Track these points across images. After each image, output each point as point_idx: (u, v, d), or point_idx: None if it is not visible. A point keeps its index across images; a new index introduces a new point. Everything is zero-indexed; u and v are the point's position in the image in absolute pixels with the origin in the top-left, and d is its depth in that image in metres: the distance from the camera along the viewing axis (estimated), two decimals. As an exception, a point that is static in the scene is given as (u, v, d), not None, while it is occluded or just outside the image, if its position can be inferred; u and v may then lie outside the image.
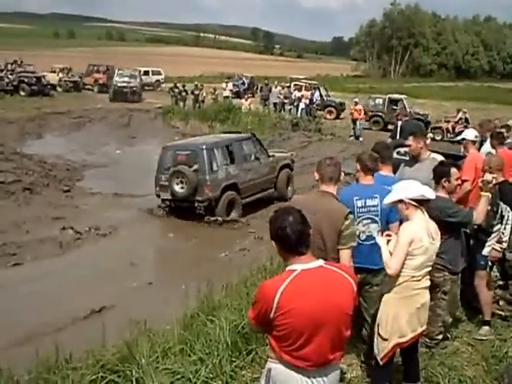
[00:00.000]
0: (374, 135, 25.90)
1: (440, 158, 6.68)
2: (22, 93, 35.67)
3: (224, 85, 39.08)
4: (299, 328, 3.10)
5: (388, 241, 4.68)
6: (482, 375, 5.51)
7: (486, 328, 6.36)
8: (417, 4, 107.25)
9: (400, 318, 4.61)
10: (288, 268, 3.25)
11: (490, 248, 6.27)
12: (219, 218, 13.73)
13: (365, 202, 5.29)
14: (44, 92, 36.70)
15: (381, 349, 4.71)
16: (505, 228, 6.30)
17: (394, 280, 4.61)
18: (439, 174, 5.73)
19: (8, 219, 13.18)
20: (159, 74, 50.59)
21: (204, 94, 34.94)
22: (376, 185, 5.36)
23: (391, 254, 4.57)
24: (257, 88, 44.78)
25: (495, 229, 6.28)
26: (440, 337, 5.91)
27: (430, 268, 4.71)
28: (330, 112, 36.29)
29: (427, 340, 5.82)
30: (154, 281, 10.49)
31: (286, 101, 34.30)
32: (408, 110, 30.19)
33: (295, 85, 37.13)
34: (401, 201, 4.62)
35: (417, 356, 5.09)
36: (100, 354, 5.44)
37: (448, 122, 28.70)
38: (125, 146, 24.43)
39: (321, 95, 36.54)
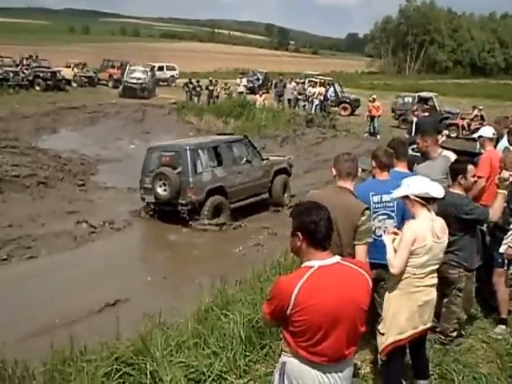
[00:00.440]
0: (391, 132, 25.72)
1: (452, 155, 6.65)
2: (37, 88, 35.78)
3: (238, 80, 39.04)
4: (316, 324, 3.10)
5: (395, 239, 4.66)
6: (497, 373, 5.48)
7: (502, 327, 6.32)
8: (432, 1, 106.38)
9: (400, 314, 4.57)
10: (305, 264, 3.23)
11: (507, 246, 6.22)
12: (205, 222, 13.18)
13: (381, 198, 5.29)
14: (59, 87, 36.81)
15: (379, 343, 4.70)
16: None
17: (397, 276, 4.58)
18: (456, 171, 5.70)
19: (23, 213, 13.28)
20: (174, 69, 50.59)
21: (218, 90, 34.91)
22: (392, 181, 5.34)
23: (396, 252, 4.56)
24: (271, 84, 44.64)
25: (512, 226, 6.24)
26: (454, 334, 5.87)
27: (436, 266, 4.65)
28: (345, 108, 36.13)
29: (442, 337, 5.81)
30: (168, 275, 10.53)
31: (300, 97, 34.16)
32: (438, 108, 29.94)
33: (310, 81, 36.98)
34: (407, 197, 4.60)
35: (425, 353, 5.07)
36: (114, 346, 5.47)
37: (463, 119, 28.48)
38: (139, 141, 24.47)
39: (335, 91, 36.43)
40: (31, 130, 24.82)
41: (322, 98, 33.09)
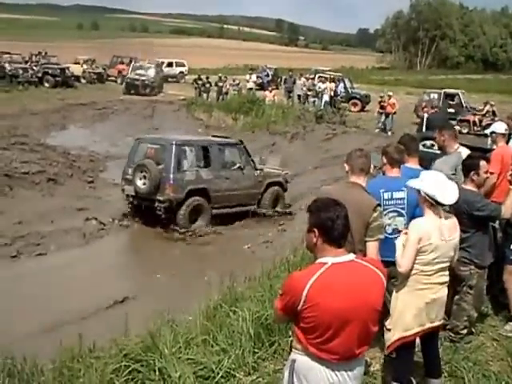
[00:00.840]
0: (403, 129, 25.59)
1: (466, 152, 6.60)
2: (47, 84, 35.90)
3: (248, 77, 39.00)
4: (326, 322, 3.06)
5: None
6: (507, 370, 5.42)
7: (513, 324, 6.27)
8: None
9: (407, 311, 4.53)
10: (319, 260, 3.20)
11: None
12: (181, 228, 12.55)
13: (391, 195, 5.25)
14: (68, 83, 36.91)
15: (386, 339, 4.66)
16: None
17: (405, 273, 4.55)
18: (468, 167, 5.64)
19: (32, 210, 13.32)
20: (183, 65, 50.55)
21: (227, 86, 34.88)
22: (403, 177, 5.29)
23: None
24: (281, 80, 44.54)
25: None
26: (465, 331, 5.83)
27: (446, 264, 4.57)
28: (355, 104, 35.92)
29: (452, 334, 5.77)
30: (176, 272, 10.52)
31: (309, 93, 34.02)
32: (464, 104, 29.73)
33: (320, 77, 36.84)
34: (419, 191, 4.55)
35: (437, 351, 5.02)
36: (123, 343, 5.45)
37: (475, 114, 28.27)
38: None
39: (345, 87, 36.22)
40: (40, 126, 24.94)
41: (331, 93, 32.97)
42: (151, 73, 38.30)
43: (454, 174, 6.14)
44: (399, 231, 5.07)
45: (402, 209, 5.25)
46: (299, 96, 34.55)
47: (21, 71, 35.17)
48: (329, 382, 3.17)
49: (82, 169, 17.89)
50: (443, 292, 4.64)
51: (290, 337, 5.44)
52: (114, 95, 34.55)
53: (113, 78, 43.99)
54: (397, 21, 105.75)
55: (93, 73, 42.09)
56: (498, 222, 6.25)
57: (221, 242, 12.38)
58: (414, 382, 4.70)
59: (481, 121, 27.14)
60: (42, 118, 26.28)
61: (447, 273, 4.64)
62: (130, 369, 5.02)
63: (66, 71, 37.68)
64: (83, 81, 40.44)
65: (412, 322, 4.53)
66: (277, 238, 12.09)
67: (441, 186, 4.47)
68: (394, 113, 27.63)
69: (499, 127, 7.62)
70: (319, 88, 33.46)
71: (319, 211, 3.21)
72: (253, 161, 14.84)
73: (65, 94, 33.50)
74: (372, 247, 4.63)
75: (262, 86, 41.05)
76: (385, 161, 5.46)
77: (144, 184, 12.69)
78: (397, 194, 5.24)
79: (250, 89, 36.21)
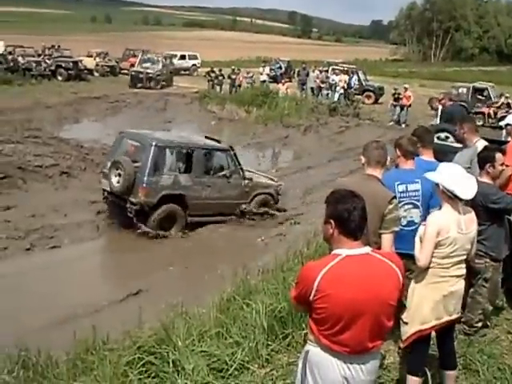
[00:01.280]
0: (417, 121, 25.42)
1: (484, 143, 6.55)
2: (59, 77, 35.89)
3: (261, 69, 38.87)
4: (337, 313, 3.05)
5: None
6: (522, 364, 5.39)
7: (528, 318, 6.23)
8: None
9: (424, 304, 4.50)
10: (333, 252, 3.19)
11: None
12: (150, 231, 11.79)
13: (406, 187, 5.22)
14: (81, 77, 36.94)
15: (403, 333, 4.64)
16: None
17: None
18: (483, 160, 5.59)
19: (46, 203, 13.36)
20: (196, 58, 50.40)
21: (241, 79, 34.79)
22: (417, 170, 5.26)
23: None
24: (294, 72, 44.40)
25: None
26: (479, 324, 5.81)
27: (463, 257, 4.53)
28: (369, 97, 35.83)
29: (466, 327, 5.75)
30: (190, 265, 10.54)
31: (323, 85, 33.88)
32: (493, 99, 29.38)
33: (333, 69, 36.67)
34: (437, 184, 4.50)
35: (453, 344, 4.98)
36: (137, 335, 5.47)
37: (490, 107, 28.02)
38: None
39: (359, 79, 36.05)
40: (53, 119, 25.04)
41: (345, 86, 32.74)
42: (158, 66, 37.89)
43: (469, 168, 6.09)
44: (415, 223, 5.07)
45: (417, 201, 5.22)
46: (312, 88, 34.43)
47: (34, 64, 35.18)
48: (340, 375, 3.16)
49: (95, 162, 17.86)
50: (461, 285, 4.60)
51: (303, 329, 5.45)
52: (127, 88, 34.59)
53: (125, 71, 43.89)
54: (410, 12, 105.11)
55: (106, 66, 42.07)
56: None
57: (234, 234, 12.38)
58: (428, 373, 4.68)
59: (495, 113, 26.97)
60: (55, 112, 26.36)
61: (464, 265, 4.59)
62: (143, 361, 5.03)
63: (79, 64, 37.66)
64: (96, 74, 40.44)
65: (429, 315, 4.50)
66: (290, 230, 12.06)
67: (460, 180, 4.41)
68: (409, 105, 27.40)
69: (514, 119, 7.56)
70: (333, 80, 33.31)
71: (336, 203, 3.19)
72: (242, 169, 13.69)
73: (78, 87, 33.53)
74: (387, 239, 4.60)
75: (275, 79, 40.92)
76: (399, 153, 5.42)
77: (118, 182, 12.02)
78: (411, 186, 5.21)
79: (264, 81, 36.04)
